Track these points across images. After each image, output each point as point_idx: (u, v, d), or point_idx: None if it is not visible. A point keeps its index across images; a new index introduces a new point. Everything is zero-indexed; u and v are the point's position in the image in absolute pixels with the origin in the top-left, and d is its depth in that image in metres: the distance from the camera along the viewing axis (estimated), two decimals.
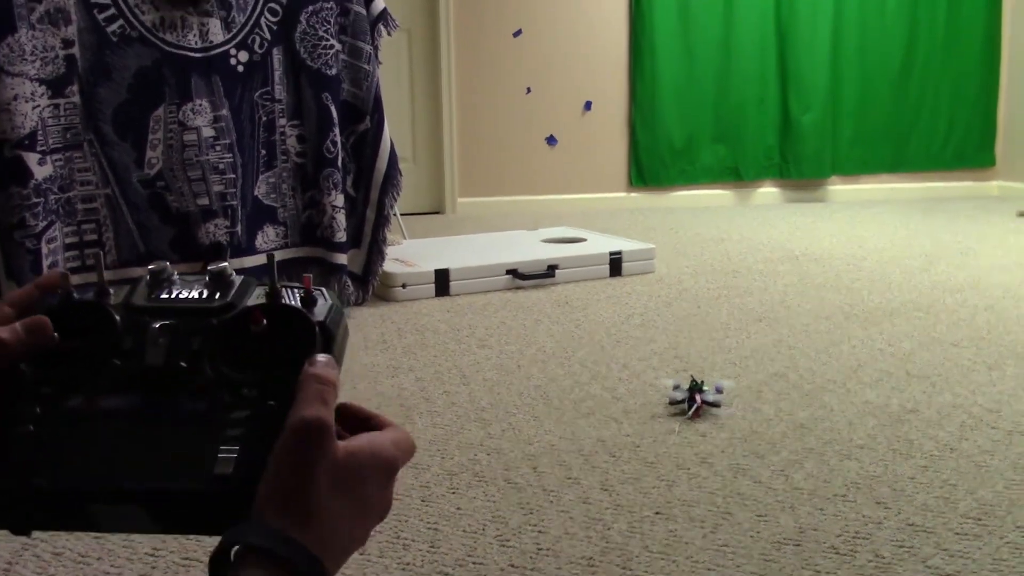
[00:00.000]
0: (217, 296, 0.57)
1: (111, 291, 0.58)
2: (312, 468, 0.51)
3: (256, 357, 0.55)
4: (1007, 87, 6.11)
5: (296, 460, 0.51)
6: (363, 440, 0.55)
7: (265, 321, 0.55)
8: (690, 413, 2.05)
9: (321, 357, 0.55)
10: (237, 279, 0.59)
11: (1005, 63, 6.08)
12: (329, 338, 0.56)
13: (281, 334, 0.55)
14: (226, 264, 0.59)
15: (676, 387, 2.12)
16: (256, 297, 0.58)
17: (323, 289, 0.59)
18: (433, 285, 3.29)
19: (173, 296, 0.58)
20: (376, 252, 3.07)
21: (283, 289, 0.57)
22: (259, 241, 2.83)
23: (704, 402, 2.07)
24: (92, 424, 0.53)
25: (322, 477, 0.51)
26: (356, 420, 0.60)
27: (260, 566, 0.49)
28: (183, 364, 0.55)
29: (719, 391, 2.11)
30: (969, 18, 5.95)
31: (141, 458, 0.53)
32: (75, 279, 0.59)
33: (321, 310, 0.57)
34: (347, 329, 0.59)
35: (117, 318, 0.56)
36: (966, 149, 6.13)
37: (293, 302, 0.57)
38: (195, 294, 0.58)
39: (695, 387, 2.08)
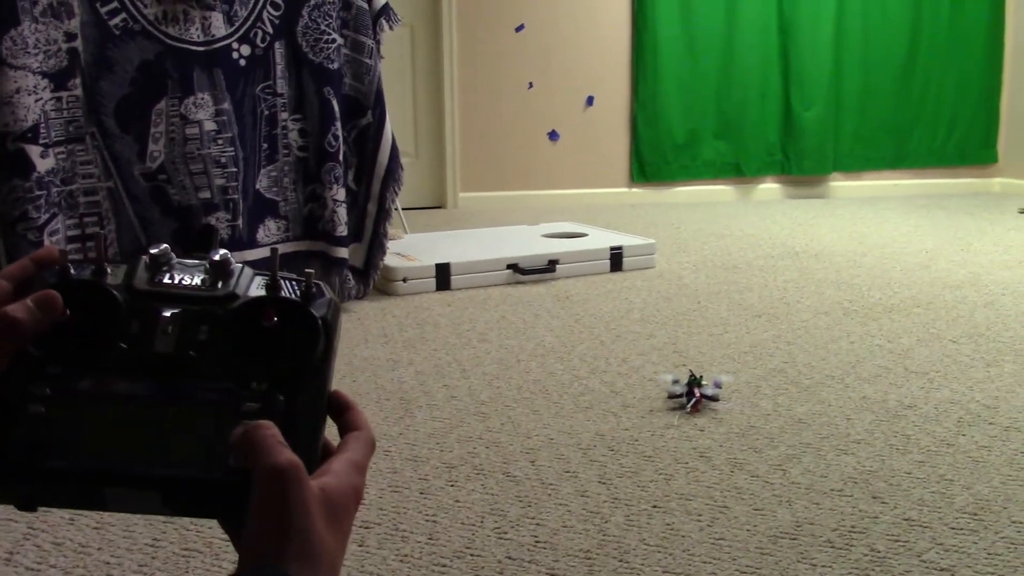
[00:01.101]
0: (219, 285, 0.57)
1: (109, 271, 0.57)
2: (306, 508, 0.50)
3: (261, 350, 0.55)
4: (1010, 83, 6.10)
5: (288, 503, 0.50)
6: (333, 471, 0.54)
7: (276, 318, 0.55)
8: (689, 407, 2.06)
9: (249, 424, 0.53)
10: (237, 267, 0.58)
11: (1008, 59, 6.07)
12: (330, 333, 0.57)
13: (286, 328, 0.55)
14: (227, 252, 0.58)
15: (675, 381, 2.13)
16: (256, 287, 0.58)
17: (320, 283, 0.59)
18: (434, 279, 3.29)
19: (176, 282, 0.57)
20: (377, 246, 3.07)
21: (282, 282, 0.57)
22: (260, 234, 2.83)
23: (703, 396, 2.08)
24: (104, 407, 0.53)
25: (316, 516, 0.51)
26: (334, 408, 0.59)
27: None
28: (192, 353, 0.55)
29: (718, 386, 2.12)
30: (973, 13, 5.94)
31: (157, 444, 0.53)
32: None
33: (321, 305, 0.57)
34: (341, 323, 0.60)
35: (120, 300, 0.55)
36: (968, 146, 6.13)
37: (293, 295, 0.57)
38: (197, 281, 0.57)
39: (694, 382, 2.09)
